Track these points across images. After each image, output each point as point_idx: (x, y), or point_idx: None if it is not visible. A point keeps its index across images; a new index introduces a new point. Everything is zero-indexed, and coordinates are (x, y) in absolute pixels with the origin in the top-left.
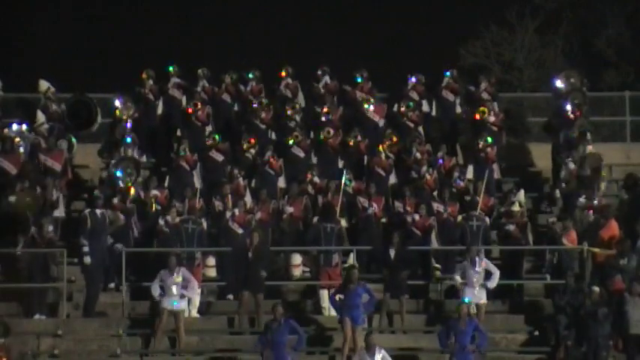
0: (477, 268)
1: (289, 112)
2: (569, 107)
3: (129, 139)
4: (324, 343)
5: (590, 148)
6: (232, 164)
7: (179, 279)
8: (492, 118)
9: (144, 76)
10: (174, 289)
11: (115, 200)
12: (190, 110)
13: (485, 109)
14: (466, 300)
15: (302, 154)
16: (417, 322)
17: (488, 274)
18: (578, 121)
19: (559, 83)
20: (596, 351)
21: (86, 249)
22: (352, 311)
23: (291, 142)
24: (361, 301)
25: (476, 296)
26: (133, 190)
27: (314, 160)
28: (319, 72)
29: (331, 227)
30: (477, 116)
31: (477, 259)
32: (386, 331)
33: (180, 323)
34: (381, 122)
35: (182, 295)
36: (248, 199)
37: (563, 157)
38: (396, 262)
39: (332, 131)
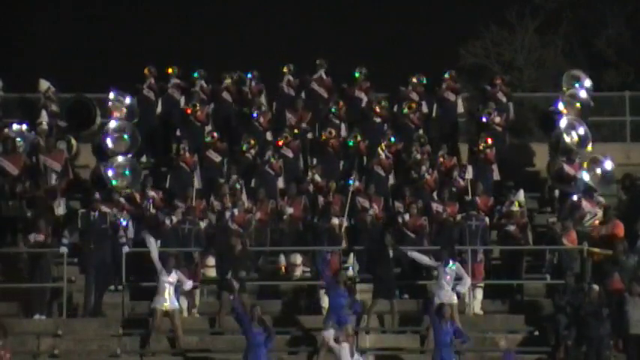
0: (447, 270)
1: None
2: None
3: (108, 140)
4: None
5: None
6: (231, 164)
7: (172, 279)
8: (497, 119)
9: (146, 72)
10: (167, 288)
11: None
12: (189, 111)
13: (490, 110)
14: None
15: (291, 155)
16: (414, 322)
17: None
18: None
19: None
20: (597, 351)
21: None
22: (337, 312)
23: (280, 142)
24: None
25: (447, 296)
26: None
27: (308, 160)
28: (317, 62)
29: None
30: (484, 119)
31: (450, 260)
32: (378, 331)
33: (177, 322)
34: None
35: (176, 295)
36: (244, 199)
37: (557, 156)
38: (390, 263)
39: (334, 132)
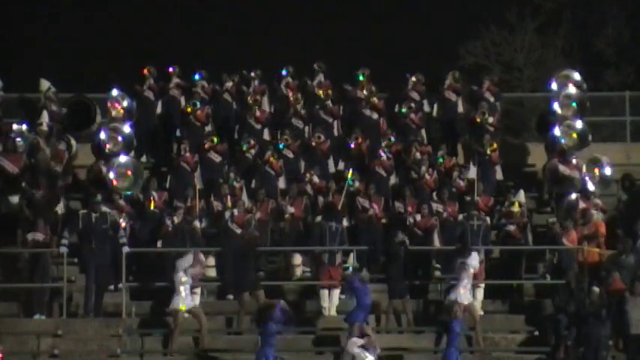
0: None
1: (291, 99)
2: (557, 108)
3: (103, 134)
4: (324, 343)
5: None
6: (231, 164)
7: (185, 279)
8: (491, 119)
9: (145, 72)
10: (182, 289)
11: (116, 198)
12: (188, 110)
13: (486, 111)
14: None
15: (291, 155)
16: (416, 322)
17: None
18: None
19: (554, 86)
20: (596, 351)
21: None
22: (366, 311)
23: (281, 145)
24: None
25: (462, 296)
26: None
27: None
28: (315, 66)
29: (336, 227)
30: (478, 119)
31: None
32: (393, 331)
33: (203, 320)
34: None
35: (192, 293)
36: (245, 199)
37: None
38: (400, 263)
39: (322, 137)
